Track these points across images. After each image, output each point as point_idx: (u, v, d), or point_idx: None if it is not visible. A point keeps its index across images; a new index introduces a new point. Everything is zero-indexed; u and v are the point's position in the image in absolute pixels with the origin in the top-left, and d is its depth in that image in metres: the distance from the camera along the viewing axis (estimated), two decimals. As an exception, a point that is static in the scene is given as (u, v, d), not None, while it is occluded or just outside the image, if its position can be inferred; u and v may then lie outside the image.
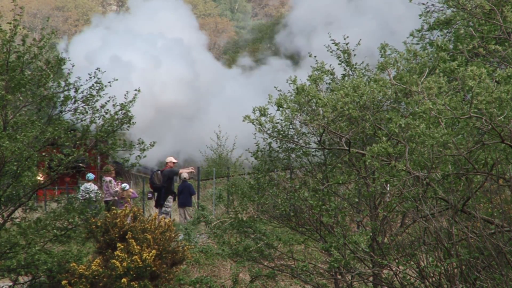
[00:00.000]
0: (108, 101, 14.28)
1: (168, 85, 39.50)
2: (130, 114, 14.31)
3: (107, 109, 14.28)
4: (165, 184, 20.91)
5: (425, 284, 10.45)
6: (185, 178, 21.19)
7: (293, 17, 51.32)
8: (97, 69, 14.17)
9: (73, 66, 14.12)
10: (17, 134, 13.05)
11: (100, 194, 18.62)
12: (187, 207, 21.60)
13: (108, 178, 20.39)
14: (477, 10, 13.09)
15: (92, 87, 14.12)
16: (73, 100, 14.13)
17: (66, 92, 14.06)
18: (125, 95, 14.36)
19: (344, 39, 13.47)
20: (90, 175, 20.50)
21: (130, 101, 14.32)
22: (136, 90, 14.46)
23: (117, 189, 20.34)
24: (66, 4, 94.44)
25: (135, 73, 36.36)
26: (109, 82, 14.23)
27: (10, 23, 13.51)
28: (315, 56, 13.31)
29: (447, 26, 18.00)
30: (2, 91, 13.43)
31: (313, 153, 13.38)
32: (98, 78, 14.11)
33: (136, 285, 14.03)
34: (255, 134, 12.71)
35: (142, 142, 14.53)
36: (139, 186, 32.36)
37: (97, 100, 14.22)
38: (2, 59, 13.54)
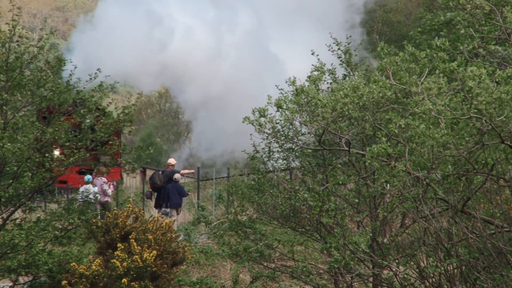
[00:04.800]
0: (111, 103, 14.30)
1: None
2: (131, 118, 14.32)
3: (109, 111, 14.31)
4: (165, 185, 20.91)
5: (425, 285, 10.44)
6: (175, 179, 20.85)
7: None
8: (98, 69, 14.17)
9: (75, 67, 14.09)
10: (18, 135, 13.04)
11: (99, 196, 18.63)
12: (179, 208, 21.22)
13: (102, 179, 20.39)
14: (477, 11, 13.08)
15: (94, 90, 14.13)
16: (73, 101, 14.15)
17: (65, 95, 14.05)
18: (128, 99, 14.37)
19: (347, 38, 13.44)
20: (89, 177, 20.45)
21: (133, 104, 14.31)
22: (138, 94, 14.48)
23: (110, 190, 20.37)
24: (66, 4, 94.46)
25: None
26: (110, 85, 14.24)
27: (8, 24, 13.52)
28: (317, 55, 13.26)
29: (448, 26, 17.99)
30: (2, 92, 13.44)
31: (313, 154, 13.38)
32: (102, 82, 14.11)
33: (136, 285, 14.02)
34: (251, 134, 12.74)
35: (139, 147, 14.57)
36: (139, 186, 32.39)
37: (96, 102, 14.23)
38: (1, 59, 13.54)
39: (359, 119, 11.87)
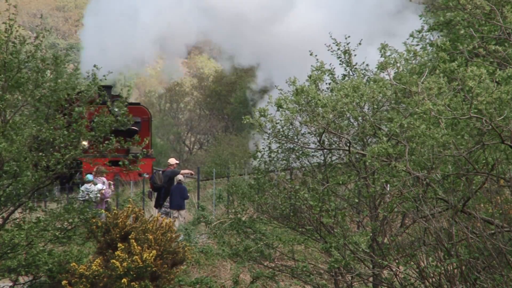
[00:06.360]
0: (101, 96, 14.35)
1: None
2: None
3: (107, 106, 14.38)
4: (165, 185, 20.92)
5: (425, 285, 10.43)
6: (180, 180, 20.90)
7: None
8: (94, 65, 14.17)
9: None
10: (14, 135, 13.02)
11: (99, 195, 18.60)
12: (181, 210, 21.14)
13: (102, 179, 20.36)
14: (477, 11, 13.07)
15: (89, 84, 14.15)
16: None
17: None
18: (119, 93, 14.46)
19: (346, 38, 13.40)
20: (89, 176, 20.39)
21: (126, 97, 14.36)
22: (128, 86, 14.56)
23: (109, 190, 20.36)
24: (66, 4, 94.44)
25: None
26: (104, 76, 14.26)
27: (5, 23, 13.51)
28: (316, 56, 13.24)
29: (448, 26, 17.98)
30: (0, 91, 13.43)
31: (313, 154, 13.37)
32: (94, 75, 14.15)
33: (136, 285, 14.02)
34: (253, 134, 12.73)
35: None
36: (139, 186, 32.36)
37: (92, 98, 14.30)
38: (0, 59, 13.52)
39: (358, 119, 11.87)
